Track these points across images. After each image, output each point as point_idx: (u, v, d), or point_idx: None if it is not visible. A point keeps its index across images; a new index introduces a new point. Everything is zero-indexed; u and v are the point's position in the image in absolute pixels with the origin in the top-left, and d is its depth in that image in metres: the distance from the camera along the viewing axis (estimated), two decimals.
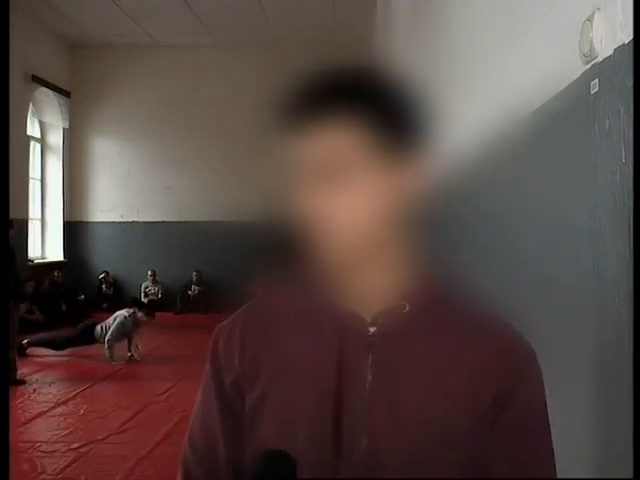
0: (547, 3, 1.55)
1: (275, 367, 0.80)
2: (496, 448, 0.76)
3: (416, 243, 0.80)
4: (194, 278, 10.69)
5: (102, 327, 6.76)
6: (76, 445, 4.21)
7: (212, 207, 10.46)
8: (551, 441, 0.78)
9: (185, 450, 0.87)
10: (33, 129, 10.35)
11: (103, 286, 10.75)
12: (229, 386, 0.82)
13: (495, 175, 2.08)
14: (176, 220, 10.93)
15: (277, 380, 0.80)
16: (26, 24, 9.16)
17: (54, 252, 10.77)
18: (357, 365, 0.77)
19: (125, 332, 6.74)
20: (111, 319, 6.79)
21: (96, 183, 11.20)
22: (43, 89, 10.06)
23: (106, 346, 6.63)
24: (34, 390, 5.65)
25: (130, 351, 6.83)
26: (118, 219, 11.14)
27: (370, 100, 0.74)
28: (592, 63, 1.20)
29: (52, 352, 6.93)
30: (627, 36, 1.05)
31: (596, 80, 1.17)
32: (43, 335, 7.42)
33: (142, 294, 10.80)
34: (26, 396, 5.46)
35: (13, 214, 5.50)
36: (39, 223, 10.62)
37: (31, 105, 9.94)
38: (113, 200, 11.16)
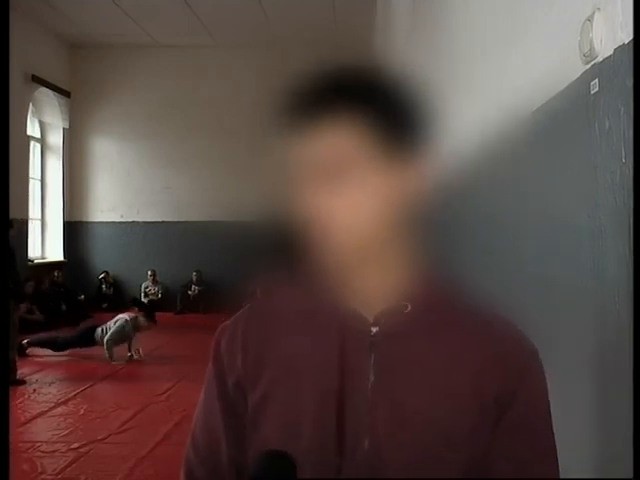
0: (547, 3, 1.55)
1: (277, 367, 0.80)
2: (499, 448, 0.76)
3: (418, 243, 0.80)
4: (194, 278, 10.69)
5: (102, 330, 6.76)
6: (76, 445, 4.21)
7: (212, 207, 10.46)
8: (554, 441, 0.78)
9: (188, 450, 0.87)
10: (33, 129, 10.35)
11: (103, 286, 10.75)
12: (231, 387, 0.82)
13: (495, 175, 2.08)
14: (176, 220, 10.93)
15: (279, 380, 0.80)
16: (26, 24, 9.16)
17: (54, 252, 10.77)
18: (359, 365, 0.77)
19: (125, 335, 6.74)
20: (112, 321, 6.79)
21: (96, 183, 11.20)
22: (43, 89, 10.06)
23: (105, 347, 6.63)
24: (34, 390, 5.65)
25: (130, 351, 6.83)
26: (118, 219, 11.15)
27: (371, 100, 0.74)
28: (592, 63, 1.20)
29: (52, 352, 6.93)
30: (627, 36, 1.05)
31: (596, 80, 1.18)
32: (43, 335, 7.42)
33: (142, 294, 10.80)
34: (26, 396, 5.46)
35: (13, 214, 5.49)
36: (39, 223, 10.62)
37: (31, 105, 9.95)
38: (113, 200, 11.16)
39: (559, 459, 0.79)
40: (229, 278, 9.48)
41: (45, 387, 5.77)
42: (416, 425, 0.75)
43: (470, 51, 2.52)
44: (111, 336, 6.66)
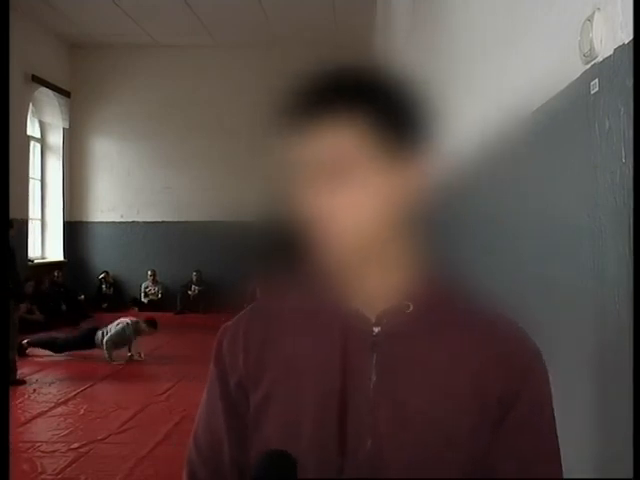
0: (547, 3, 1.55)
1: (279, 367, 0.80)
2: (503, 448, 0.76)
3: (419, 243, 0.80)
4: (194, 278, 10.69)
5: (103, 332, 6.75)
6: (76, 445, 4.21)
7: (212, 207, 10.46)
8: (557, 441, 0.78)
9: (190, 451, 0.87)
10: (33, 129, 10.35)
11: (103, 286, 10.75)
12: (233, 387, 0.82)
13: (495, 175, 2.08)
14: (176, 220, 10.93)
15: (281, 380, 0.80)
16: (26, 24, 9.16)
17: (54, 252, 10.77)
18: (361, 365, 0.77)
19: (125, 339, 6.73)
20: (113, 324, 6.80)
21: (96, 183, 11.20)
22: (43, 89, 10.06)
23: (104, 347, 6.64)
24: (34, 390, 5.65)
25: (130, 351, 6.83)
26: (118, 219, 11.15)
27: (372, 99, 0.74)
28: (592, 63, 1.20)
29: (52, 352, 6.94)
30: (627, 36, 1.05)
31: (596, 80, 1.18)
32: (43, 336, 7.42)
33: (142, 294, 10.81)
34: (26, 396, 5.46)
35: (13, 214, 5.49)
36: (39, 223, 10.62)
37: (31, 105, 9.95)
38: (113, 200, 11.16)
39: None
40: (229, 278, 9.49)
41: (45, 387, 5.77)
42: (418, 425, 0.75)
43: (470, 51, 2.52)
44: (111, 337, 6.66)
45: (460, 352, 0.77)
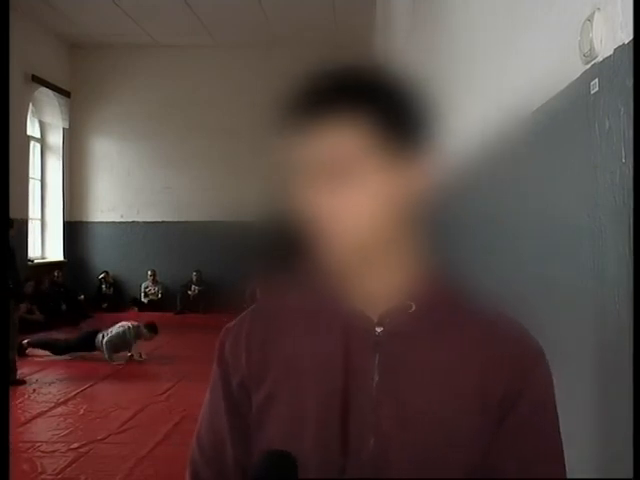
0: (547, 3, 1.55)
1: (282, 367, 0.80)
2: (505, 448, 0.76)
3: (422, 242, 0.80)
4: (194, 278, 10.69)
5: (103, 335, 6.76)
6: (76, 445, 4.21)
7: (212, 207, 10.46)
8: (561, 441, 0.78)
9: (193, 451, 0.87)
10: (33, 129, 10.35)
11: (103, 286, 10.75)
12: (236, 387, 0.83)
13: (495, 175, 2.08)
14: (176, 220, 10.93)
15: (284, 380, 0.80)
16: (26, 24, 9.16)
17: (54, 252, 10.77)
18: (364, 365, 0.77)
19: (126, 342, 6.73)
20: (115, 327, 6.81)
21: (96, 183, 11.20)
22: (43, 89, 10.06)
23: (104, 348, 6.64)
24: (34, 390, 5.65)
25: (130, 351, 6.83)
26: (118, 219, 11.15)
27: (374, 99, 0.74)
28: (592, 63, 1.20)
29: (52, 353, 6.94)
30: (627, 36, 1.05)
31: (596, 80, 1.17)
32: (43, 337, 7.43)
33: (142, 294, 10.81)
34: (26, 396, 5.46)
35: (13, 214, 5.49)
36: (39, 223, 10.62)
37: (31, 105, 9.95)
38: (113, 200, 11.16)
39: None
40: (229, 278, 9.49)
41: (45, 387, 5.77)
42: (420, 425, 0.75)
43: (470, 51, 2.52)
44: (111, 339, 6.66)
45: (462, 352, 0.77)
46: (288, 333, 0.82)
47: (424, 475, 0.74)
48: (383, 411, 0.76)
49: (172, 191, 10.93)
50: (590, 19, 1.19)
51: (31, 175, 10.15)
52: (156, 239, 11.00)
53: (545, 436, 0.77)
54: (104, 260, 10.97)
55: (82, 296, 10.18)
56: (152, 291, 10.82)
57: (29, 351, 6.92)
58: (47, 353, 6.93)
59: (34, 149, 10.45)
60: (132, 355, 6.83)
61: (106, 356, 6.61)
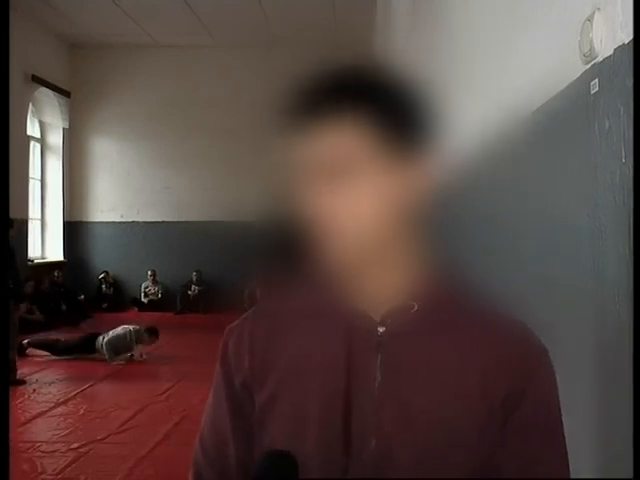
0: (547, 3, 1.55)
1: (284, 368, 0.80)
2: (508, 448, 0.75)
3: (424, 242, 0.80)
4: (194, 278, 10.69)
5: (103, 337, 6.76)
6: (76, 445, 4.21)
7: (212, 207, 10.47)
8: (564, 440, 0.78)
9: (196, 452, 0.87)
10: (33, 129, 10.35)
11: (103, 286, 10.75)
12: (239, 387, 0.83)
13: (495, 175, 2.08)
14: (176, 220, 10.94)
15: (286, 381, 0.80)
16: (26, 24, 9.16)
17: (54, 252, 10.77)
18: (366, 365, 0.77)
19: (126, 344, 6.73)
20: (116, 329, 6.81)
21: (96, 183, 11.21)
22: (43, 89, 10.06)
23: (104, 349, 6.64)
24: (34, 390, 5.65)
25: (131, 353, 6.83)
26: (118, 219, 11.15)
27: (374, 99, 0.74)
28: (592, 63, 1.20)
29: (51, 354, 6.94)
30: (627, 36, 1.05)
31: (596, 80, 1.18)
32: (44, 337, 7.43)
33: (142, 294, 10.81)
34: (26, 396, 5.46)
35: (13, 214, 5.50)
36: (39, 223, 10.62)
37: (31, 105, 9.95)
38: (113, 200, 11.16)
39: None
40: (229, 278, 9.50)
41: (45, 387, 5.77)
42: (423, 425, 0.75)
43: (470, 51, 2.52)
44: (111, 340, 6.67)
45: (465, 352, 0.76)
46: (291, 333, 0.82)
47: (426, 475, 0.74)
48: (385, 411, 0.76)
49: (172, 191, 10.93)
50: (590, 19, 1.19)
51: (31, 175, 10.16)
52: (156, 239, 11.01)
53: (549, 436, 0.77)
54: (104, 260, 10.98)
55: (82, 296, 10.19)
56: (152, 291, 10.82)
57: (29, 351, 6.92)
58: (47, 353, 6.93)
59: (34, 149, 10.46)
60: (132, 355, 6.83)
61: (106, 356, 6.61)
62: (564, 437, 0.78)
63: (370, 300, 0.79)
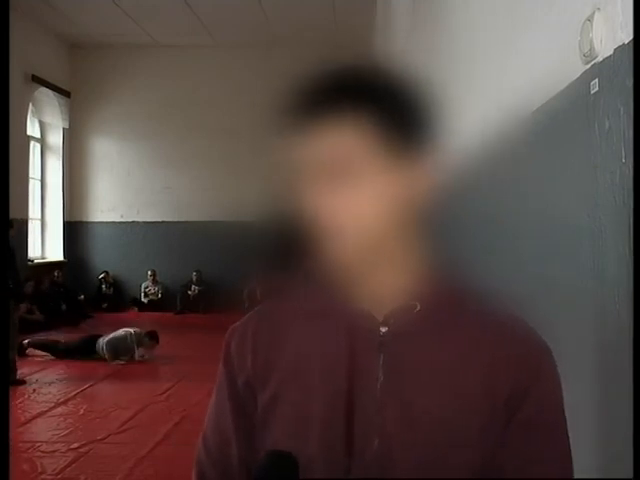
0: (547, 3, 1.55)
1: (287, 368, 0.80)
2: (512, 447, 0.75)
3: (426, 242, 0.80)
4: (194, 278, 10.69)
5: (103, 339, 6.76)
6: (76, 445, 4.21)
7: (212, 207, 10.47)
8: (568, 440, 0.77)
9: (199, 452, 0.87)
10: (33, 129, 10.35)
11: (103, 286, 10.75)
12: (241, 387, 0.83)
13: (495, 175, 2.08)
14: (176, 220, 10.94)
15: (289, 381, 0.80)
16: (26, 24, 9.16)
17: (54, 252, 10.77)
18: (369, 365, 0.77)
19: (126, 346, 6.72)
20: (117, 331, 6.81)
21: (96, 183, 11.21)
22: (43, 89, 10.06)
23: (104, 349, 6.64)
24: (34, 390, 5.65)
25: (133, 356, 6.82)
26: (118, 219, 11.15)
27: (376, 99, 0.73)
28: (592, 63, 1.20)
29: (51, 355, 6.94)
30: (627, 36, 1.05)
31: (596, 80, 1.18)
32: (44, 338, 7.43)
33: (142, 294, 10.81)
34: (26, 396, 5.46)
35: (13, 214, 5.49)
36: (39, 223, 10.62)
37: (31, 105, 9.95)
38: (113, 200, 11.16)
39: None
40: (229, 278, 9.50)
41: (45, 387, 5.77)
42: (425, 425, 0.75)
43: (470, 51, 2.52)
44: (111, 340, 6.67)
45: (468, 352, 0.76)
46: (293, 333, 0.82)
47: (429, 475, 0.74)
48: (388, 411, 0.76)
49: (172, 191, 10.93)
50: (590, 19, 1.19)
51: (31, 175, 10.16)
52: (156, 239, 11.01)
53: (553, 436, 0.77)
54: (104, 260, 10.98)
55: (82, 296, 10.18)
56: (152, 291, 10.82)
57: (29, 351, 6.92)
58: (47, 353, 6.93)
59: (34, 149, 10.46)
60: (133, 355, 6.83)
61: (106, 356, 6.61)
62: (568, 437, 0.78)
63: (372, 300, 0.78)
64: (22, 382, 5.77)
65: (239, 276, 8.58)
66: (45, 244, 10.73)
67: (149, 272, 10.76)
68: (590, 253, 1.21)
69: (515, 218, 1.80)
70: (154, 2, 8.96)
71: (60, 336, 7.59)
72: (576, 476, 0.98)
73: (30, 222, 9.86)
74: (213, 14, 9.39)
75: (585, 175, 1.23)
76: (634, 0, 1.02)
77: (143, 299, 10.80)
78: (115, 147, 11.15)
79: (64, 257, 10.80)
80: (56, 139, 10.86)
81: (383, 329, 0.78)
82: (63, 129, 10.84)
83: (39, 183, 10.64)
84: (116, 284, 10.88)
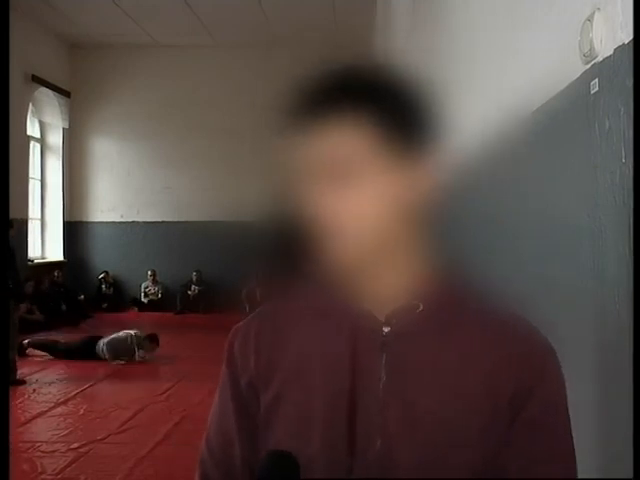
0: (547, 3, 1.55)
1: (290, 368, 0.80)
2: (515, 447, 0.75)
3: (429, 242, 0.80)
4: (194, 278, 10.69)
5: (104, 341, 6.76)
6: (76, 445, 4.22)
7: (212, 207, 10.47)
8: (572, 440, 0.77)
9: (202, 452, 0.87)
10: (33, 129, 10.35)
11: (103, 286, 10.75)
12: (244, 387, 0.83)
13: (495, 175, 2.08)
14: (176, 220, 10.94)
15: (292, 381, 0.80)
16: (26, 24, 9.16)
17: (54, 252, 10.77)
18: (371, 365, 0.77)
19: (126, 347, 6.73)
20: (117, 333, 6.81)
21: (96, 183, 11.21)
22: (43, 89, 10.06)
23: (105, 349, 6.64)
24: (34, 390, 5.66)
25: (132, 357, 6.82)
26: (118, 219, 11.15)
27: (375, 99, 0.73)
28: (592, 63, 1.20)
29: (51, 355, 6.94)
30: (627, 36, 1.05)
31: (596, 80, 1.18)
32: (44, 338, 7.42)
33: (142, 294, 10.81)
34: (26, 396, 5.46)
35: (13, 214, 5.49)
36: (39, 223, 10.62)
37: (31, 105, 9.95)
38: (113, 200, 11.16)
39: None
40: (229, 278, 9.50)
41: (45, 387, 5.77)
42: (428, 425, 0.75)
43: (470, 51, 2.52)
44: (111, 341, 6.67)
45: (471, 352, 0.76)
46: (296, 333, 0.82)
47: (431, 475, 0.74)
48: (390, 411, 0.76)
49: (172, 191, 10.93)
50: (590, 19, 1.19)
51: (31, 175, 10.16)
52: (156, 239, 11.01)
53: (556, 436, 0.77)
54: (104, 260, 10.98)
55: (82, 296, 10.18)
56: (152, 291, 10.82)
57: (29, 351, 6.92)
58: (47, 353, 6.94)
59: (34, 149, 10.46)
60: (133, 356, 6.83)
61: (106, 356, 6.61)
62: (572, 436, 0.77)
63: (374, 300, 0.78)
64: (22, 382, 5.77)
65: (239, 276, 8.58)
66: (45, 244, 10.73)
67: (149, 272, 10.76)
68: (590, 253, 1.21)
69: (515, 218, 1.80)
70: (154, 2, 8.96)
71: (60, 336, 7.60)
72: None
73: (30, 222, 9.86)
74: (213, 14, 9.39)
75: (585, 175, 1.23)
76: (634, 0, 1.02)
77: (143, 299, 10.80)
78: (115, 147, 11.15)
79: (64, 257, 10.80)
80: (56, 139, 10.87)
81: (385, 329, 0.78)
82: (63, 129, 10.84)
83: (39, 183, 10.64)
84: (116, 284, 10.88)
